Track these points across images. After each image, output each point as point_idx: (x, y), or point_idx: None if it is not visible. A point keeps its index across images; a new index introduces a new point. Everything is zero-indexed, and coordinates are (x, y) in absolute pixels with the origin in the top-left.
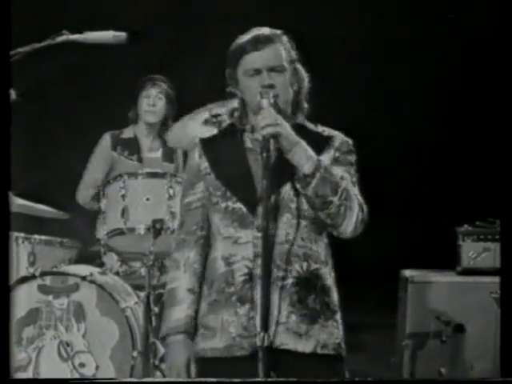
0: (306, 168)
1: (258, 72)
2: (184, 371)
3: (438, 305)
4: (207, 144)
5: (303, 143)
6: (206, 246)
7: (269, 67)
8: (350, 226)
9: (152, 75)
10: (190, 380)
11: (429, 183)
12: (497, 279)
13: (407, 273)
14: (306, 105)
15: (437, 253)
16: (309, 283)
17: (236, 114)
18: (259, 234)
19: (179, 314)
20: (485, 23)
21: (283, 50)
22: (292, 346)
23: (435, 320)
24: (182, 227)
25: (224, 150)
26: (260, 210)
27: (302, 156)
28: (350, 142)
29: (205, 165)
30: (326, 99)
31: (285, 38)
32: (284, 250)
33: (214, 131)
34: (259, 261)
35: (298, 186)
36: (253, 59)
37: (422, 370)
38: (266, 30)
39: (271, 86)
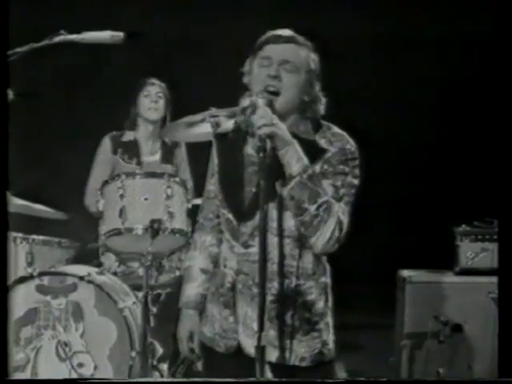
0: (294, 169)
1: (269, 62)
2: (185, 342)
3: (436, 305)
4: (219, 142)
5: (297, 145)
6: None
7: (280, 60)
8: (321, 240)
9: (149, 78)
10: (189, 380)
11: (427, 183)
12: (495, 279)
13: (405, 273)
14: (319, 120)
15: (435, 253)
16: (288, 300)
17: (247, 111)
18: (243, 251)
19: (190, 291)
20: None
21: (303, 54)
22: (272, 358)
23: (433, 320)
24: (202, 212)
25: (228, 152)
26: (243, 228)
27: (293, 156)
28: (350, 148)
29: (216, 162)
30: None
31: (310, 48)
32: (262, 269)
33: (209, 130)
34: (241, 277)
35: (277, 185)
36: (269, 49)
37: (420, 370)
38: (294, 33)
39: (276, 77)
